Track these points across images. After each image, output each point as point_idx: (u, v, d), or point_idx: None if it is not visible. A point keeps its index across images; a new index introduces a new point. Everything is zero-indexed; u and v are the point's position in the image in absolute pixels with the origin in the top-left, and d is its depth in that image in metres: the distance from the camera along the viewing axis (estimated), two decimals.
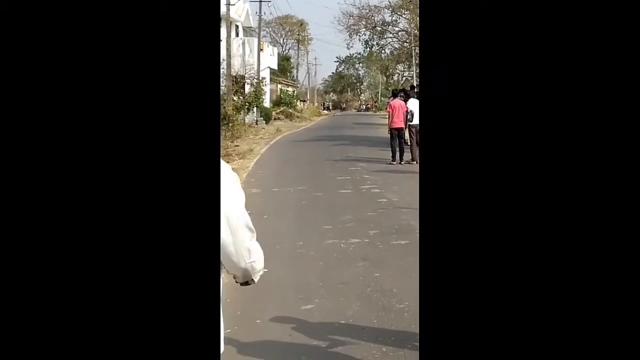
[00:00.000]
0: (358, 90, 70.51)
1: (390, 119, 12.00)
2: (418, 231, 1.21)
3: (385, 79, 55.83)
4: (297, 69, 54.96)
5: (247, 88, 24.47)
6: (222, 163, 1.44)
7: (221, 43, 25.27)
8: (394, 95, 13.10)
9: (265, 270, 1.58)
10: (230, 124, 17.03)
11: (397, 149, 11.67)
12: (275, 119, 28.46)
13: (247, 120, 23.34)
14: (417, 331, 1.24)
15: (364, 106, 59.74)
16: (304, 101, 48.16)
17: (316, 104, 57.06)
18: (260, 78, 26.52)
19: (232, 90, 21.75)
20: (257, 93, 24.38)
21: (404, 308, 3.79)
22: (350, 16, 31.92)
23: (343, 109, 60.80)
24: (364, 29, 32.33)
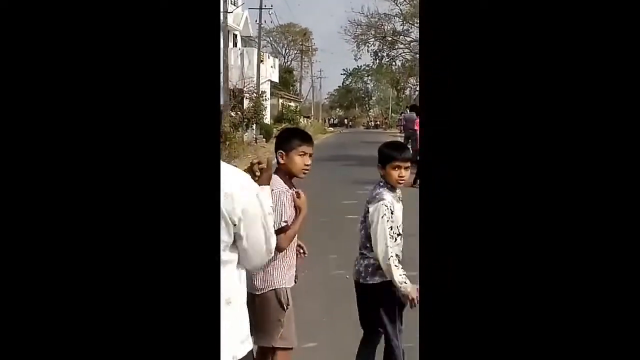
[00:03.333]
0: (366, 105, 70.98)
1: None
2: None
3: (396, 93, 56.26)
4: (301, 82, 55.39)
5: (246, 103, 24.65)
6: (243, 175, 1.85)
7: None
8: (413, 110, 13.06)
9: None
10: (227, 142, 17.09)
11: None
12: (276, 136, 28.66)
13: (245, 138, 23.49)
14: None
15: (373, 123, 59.93)
16: (308, 117, 48.47)
17: (321, 120, 57.35)
18: (260, 92, 26.71)
19: (230, 105, 21.90)
20: (257, 108, 24.56)
21: (413, 347, 3.72)
22: (358, 25, 32.14)
23: (350, 126, 60.81)
24: (373, 39, 32.46)
